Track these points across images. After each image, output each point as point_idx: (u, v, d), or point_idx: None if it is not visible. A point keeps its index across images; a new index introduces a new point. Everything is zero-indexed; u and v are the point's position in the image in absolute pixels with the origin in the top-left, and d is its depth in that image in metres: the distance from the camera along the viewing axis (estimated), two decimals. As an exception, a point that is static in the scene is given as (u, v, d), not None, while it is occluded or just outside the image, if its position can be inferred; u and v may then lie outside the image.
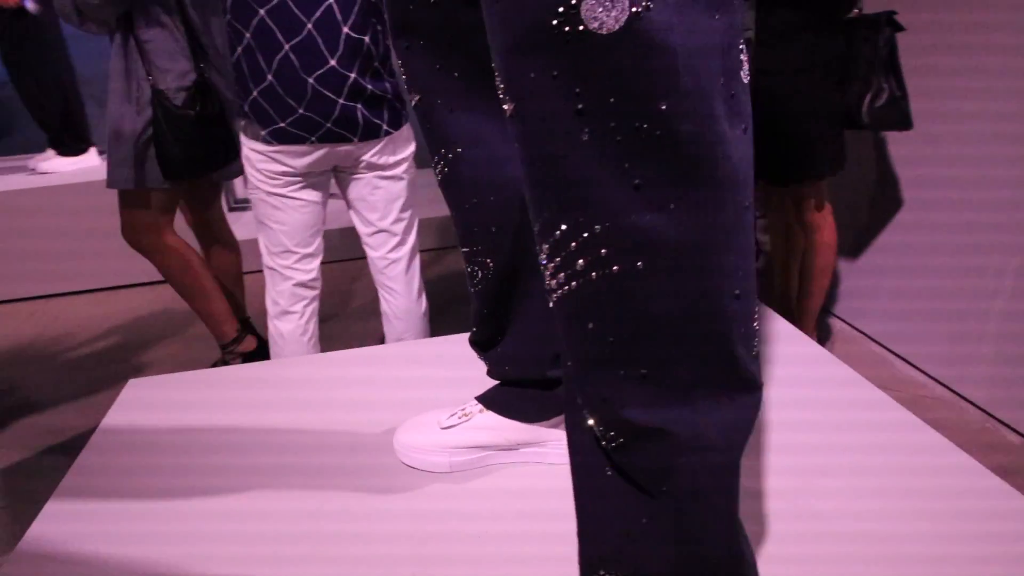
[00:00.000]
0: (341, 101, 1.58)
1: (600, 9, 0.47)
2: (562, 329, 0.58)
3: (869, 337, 2.42)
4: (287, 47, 1.53)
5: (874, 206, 2.33)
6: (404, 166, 1.79)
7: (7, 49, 3.08)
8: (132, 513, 0.96)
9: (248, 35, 1.53)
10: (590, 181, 0.52)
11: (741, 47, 0.55)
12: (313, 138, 1.61)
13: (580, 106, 0.50)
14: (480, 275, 0.90)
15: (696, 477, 0.59)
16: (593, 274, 0.54)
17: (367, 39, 1.58)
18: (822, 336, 2.44)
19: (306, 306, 1.84)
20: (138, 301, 3.21)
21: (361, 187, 1.78)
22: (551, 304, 0.58)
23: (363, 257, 1.94)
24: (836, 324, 2.54)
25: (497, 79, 0.54)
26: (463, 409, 1.00)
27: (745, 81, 0.56)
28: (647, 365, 0.57)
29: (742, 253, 0.57)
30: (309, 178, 1.72)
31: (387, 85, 1.65)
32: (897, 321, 2.30)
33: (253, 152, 1.66)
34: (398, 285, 1.89)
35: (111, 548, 0.89)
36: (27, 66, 3.07)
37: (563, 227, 0.53)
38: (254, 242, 1.91)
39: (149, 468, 1.06)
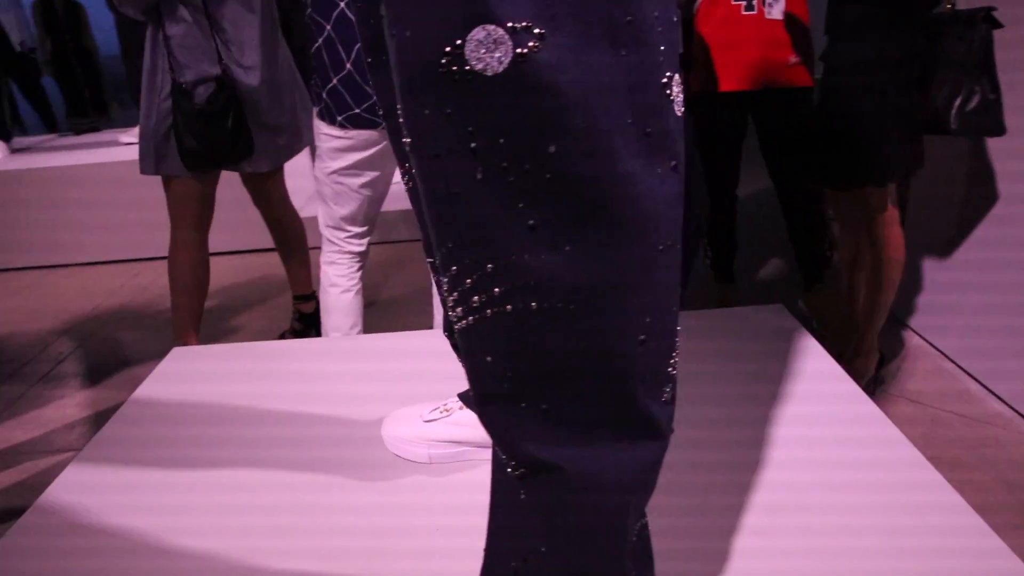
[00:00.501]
0: None
1: (483, 51, 0.47)
2: (464, 360, 0.59)
3: (943, 353, 2.27)
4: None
5: (959, 217, 2.17)
6: None
7: (124, 29, 3.35)
8: (140, 486, 1.06)
9: (329, 27, 1.63)
10: (485, 220, 0.52)
11: (667, 80, 0.53)
12: (383, 124, 1.68)
13: (473, 145, 0.50)
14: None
15: (588, 517, 0.59)
16: (488, 311, 0.54)
17: None
18: (892, 349, 2.30)
19: (356, 271, 1.97)
20: (232, 268, 3.44)
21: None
22: (457, 334, 0.59)
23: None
24: (911, 338, 2.39)
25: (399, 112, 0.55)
26: (445, 404, 1.03)
27: (678, 114, 0.55)
28: (547, 402, 0.57)
29: (652, 297, 0.55)
30: (375, 163, 1.81)
31: None
32: (973, 338, 2.15)
33: (326, 136, 1.76)
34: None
35: (117, 519, 0.99)
36: (138, 45, 3.32)
37: (459, 263, 0.54)
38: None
39: (167, 440, 1.16)
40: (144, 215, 3.39)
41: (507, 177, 0.50)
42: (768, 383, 1.20)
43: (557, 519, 0.59)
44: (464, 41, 0.47)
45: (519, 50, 0.47)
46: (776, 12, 2.15)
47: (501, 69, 0.47)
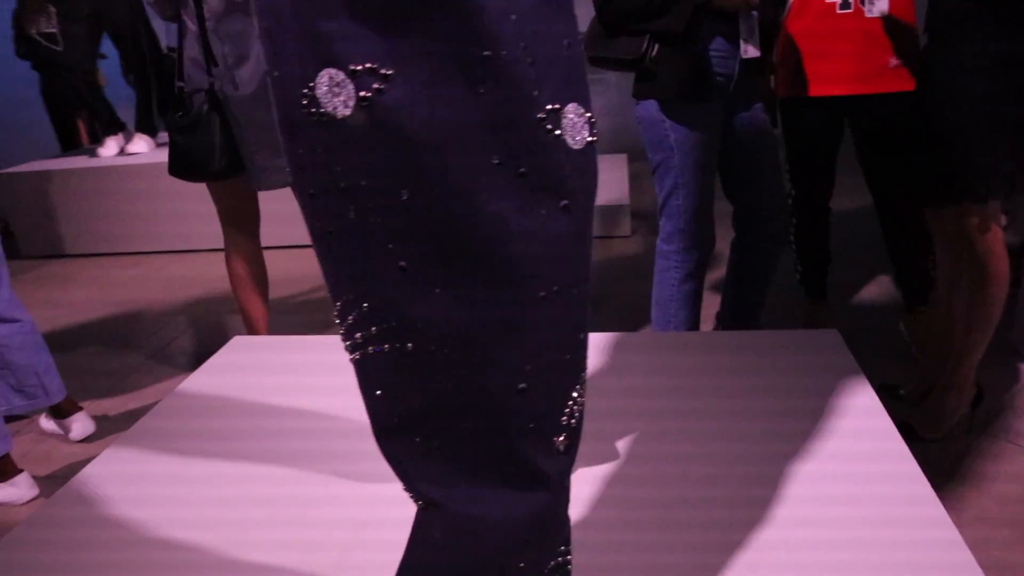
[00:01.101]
0: None
1: (330, 94, 0.47)
2: (360, 390, 0.59)
3: (1063, 391, 2.01)
4: None
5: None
6: None
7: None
8: (167, 477, 1.14)
9: None
10: (359, 259, 0.52)
11: (549, 115, 0.50)
12: None
13: (342, 185, 0.50)
14: None
15: (469, 558, 0.58)
16: (370, 348, 0.54)
17: None
18: (1004, 383, 2.07)
19: None
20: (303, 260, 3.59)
21: None
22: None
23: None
24: (1026, 370, 2.14)
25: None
26: None
27: (572, 148, 0.52)
28: (437, 440, 0.56)
29: (533, 345, 0.53)
30: None
31: None
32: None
33: None
34: None
35: (137, 510, 1.07)
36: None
37: (342, 299, 0.54)
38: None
39: (205, 432, 1.24)
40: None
41: (375, 218, 0.50)
42: (799, 413, 1.12)
43: (442, 556, 0.58)
44: (315, 84, 0.47)
45: (362, 93, 0.46)
46: (877, 9, 1.98)
47: (348, 112, 0.47)
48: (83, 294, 3.50)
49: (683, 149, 1.80)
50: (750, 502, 0.93)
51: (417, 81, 0.46)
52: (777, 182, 1.95)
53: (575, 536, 0.79)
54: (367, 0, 0.45)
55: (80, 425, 2.21)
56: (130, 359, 2.77)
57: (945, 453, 1.84)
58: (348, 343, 0.55)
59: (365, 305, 0.53)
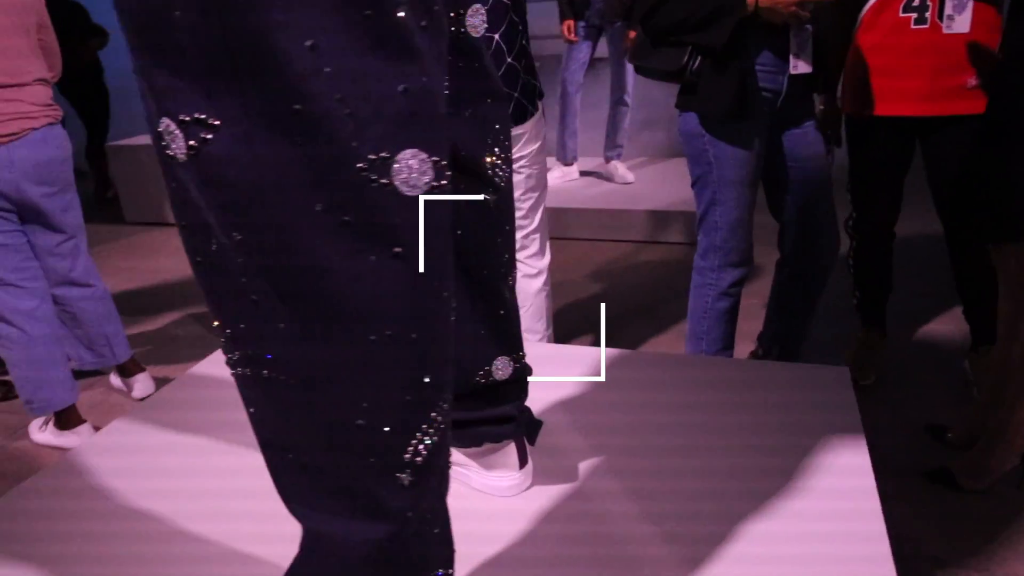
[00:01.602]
0: None
1: (170, 138, 0.50)
2: None
3: None
4: None
5: None
6: (523, 162, 1.87)
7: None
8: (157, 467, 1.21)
9: None
10: (220, 289, 0.55)
11: (367, 167, 0.51)
12: None
13: (202, 220, 0.53)
14: None
15: (316, 573, 0.61)
16: (238, 369, 0.57)
17: (497, 36, 1.68)
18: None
19: None
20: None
21: None
22: None
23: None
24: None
25: None
26: None
27: (407, 195, 0.53)
28: (304, 459, 0.59)
29: (368, 385, 0.55)
30: None
31: (520, 82, 1.74)
32: None
33: None
34: (517, 271, 1.99)
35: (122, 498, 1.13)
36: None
37: (215, 323, 0.57)
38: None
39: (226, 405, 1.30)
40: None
41: (229, 252, 0.53)
42: (776, 456, 1.07)
43: (301, 570, 0.61)
44: (161, 128, 0.50)
45: (191, 142, 0.49)
46: (958, 26, 1.85)
47: (185, 159, 0.50)
48: (170, 263, 3.75)
49: (722, 165, 1.74)
50: (691, 541, 0.91)
51: (238, 134, 0.48)
52: (828, 206, 1.85)
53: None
54: (187, 61, 0.48)
55: (141, 385, 2.39)
56: (197, 328, 2.95)
57: (986, 507, 1.71)
58: (226, 361, 0.58)
59: (228, 331, 0.56)
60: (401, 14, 0.50)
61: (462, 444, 1.00)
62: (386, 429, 0.56)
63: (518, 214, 1.95)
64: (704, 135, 1.73)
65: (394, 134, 0.51)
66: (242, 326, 0.55)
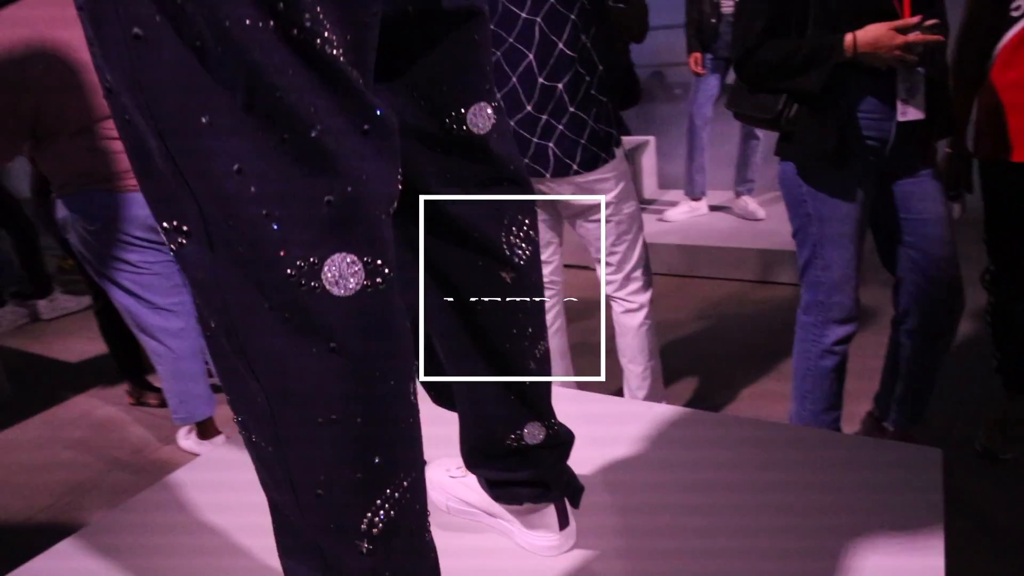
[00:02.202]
0: (535, 140, 1.78)
1: (164, 237, 0.60)
2: None
3: None
4: (498, 95, 1.74)
5: None
6: (607, 211, 1.89)
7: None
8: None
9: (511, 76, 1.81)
10: (219, 358, 0.63)
11: (301, 270, 0.56)
12: (541, 175, 1.84)
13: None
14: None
15: None
16: (239, 430, 0.65)
17: (560, 86, 1.73)
18: None
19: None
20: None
21: (573, 221, 1.97)
22: None
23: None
24: None
25: None
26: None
27: (338, 295, 0.57)
28: (288, 516, 0.66)
29: (321, 461, 0.60)
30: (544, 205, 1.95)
31: (588, 130, 1.77)
32: None
33: None
34: (618, 306, 2.04)
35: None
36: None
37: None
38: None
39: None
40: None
41: (217, 331, 0.61)
42: (842, 534, 0.99)
43: None
44: (160, 229, 0.59)
45: (172, 245, 0.57)
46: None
47: (174, 256, 0.62)
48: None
49: (821, 217, 1.63)
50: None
51: (201, 240, 0.55)
52: (949, 262, 1.68)
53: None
54: (161, 180, 0.56)
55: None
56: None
57: None
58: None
59: (227, 396, 0.64)
60: (315, 134, 0.55)
61: (503, 502, 1.03)
62: (343, 502, 0.61)
63: (614, 258, 1.94)
64: (802, 185, 1.64)
65: (321, 241, 0.56)
66: (233, 393, 0.62)
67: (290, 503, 0.63)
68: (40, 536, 2.00)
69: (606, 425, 1.36)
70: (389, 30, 0.70)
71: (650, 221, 4.04)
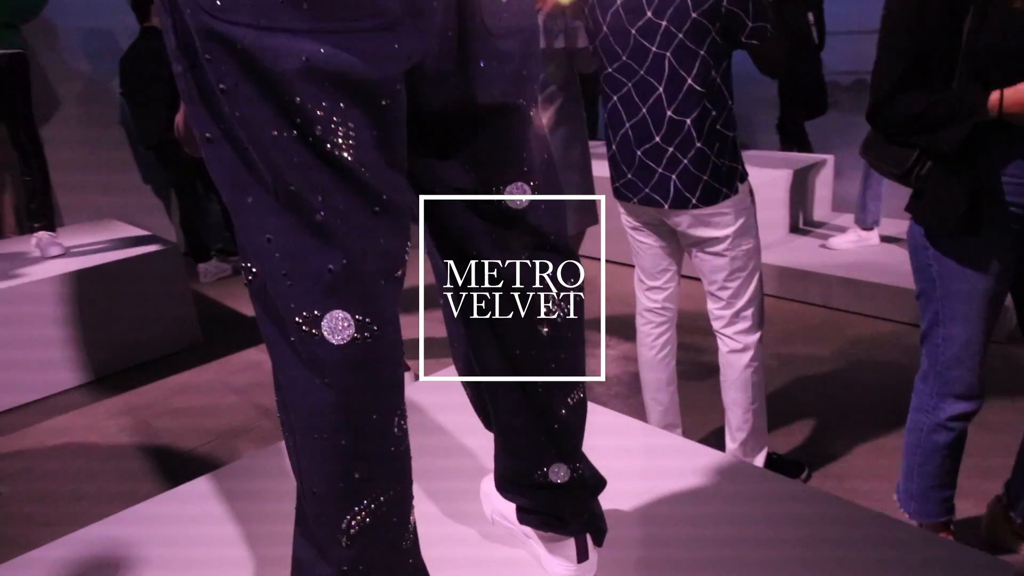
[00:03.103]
0: (659, 170, 1.81)
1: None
2: None
3: None
4: (627, 125, 1.84)
5: None
6: (722, 245, 1.87)
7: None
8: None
9: (605, 114, 1.90)
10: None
11: (301, 321, 0.74)
12: (635, 199, 1.89)
13: None
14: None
15: None
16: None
17: (688, 121, 1.75)
18: None
19: (652, 328, 2.13)
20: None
21: (690, 250, 1.97)
22: None
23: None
24: None
25: None
26: None
27: (333, 342, 0.75)
28: (304, 496, 0.83)
29: (313, 467, 0.77)
30: (649, 227, 1.99)
31: (711, 165, 1.78)
32: None
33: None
34: (724, 345, 2.01)
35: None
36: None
37: None
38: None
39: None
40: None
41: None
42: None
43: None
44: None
45: (246, 277, 0.78)
46: None
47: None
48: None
49: (947, 285, 1.51)
50: None
51: (254, 281, 0.77)
52: None
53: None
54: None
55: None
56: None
57: None
58: None
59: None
60: (319, 218, 0.72)
61: (527, 524, 1.13)
62: (328, 502, 0.78)
63: (725, 294, 1.93)
64: (928, 248, 1.53)
65: (322, 299, 0.73)
66: (277, 397, 0.83)
67: (299, 493, 0.81)
68: (198, 467, 2.36)
69: (667, 464, 1.38)
70: (436, 120, 0.85)
71: (812, 246, 3.84)
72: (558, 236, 0.96)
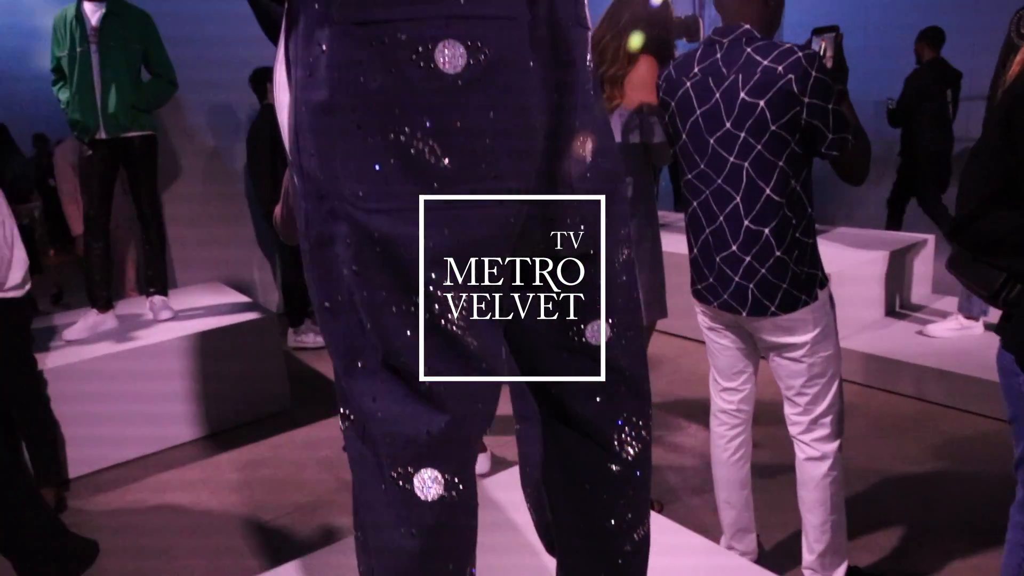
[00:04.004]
0: (736, 279, 1.80)
1: None
2: None
3: None
4: (707, 232, 1.85)
5: None
6: (801, 351, 1.83)
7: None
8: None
9: (687, 219, 1.92)
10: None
11: (396, 476, 0.80)
12: (715, 303, 1.88)
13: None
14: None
15: None
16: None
17: (767, 231, 1.74)
18: None
19: (727, 430, 2.10)
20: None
21: (767, 353, 1.93)
22: None
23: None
24: None
25: None
26: None
27: (422, 499, 0.81)
28: None
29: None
30: (727, 328, 1.98)
31: (790, 273, 1.76)
32: None
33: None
34: (801, 452, 1.94)
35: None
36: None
37: None
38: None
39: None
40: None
41: None
42: None
43: None
44: None
45: (342, 423, 0.86)
46: None
47: None
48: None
49: (1040, 417, 1.43)
50: None
51: (353, 428, 0.85)
52: None
53: None
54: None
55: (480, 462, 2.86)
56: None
57: None
58: None
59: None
60: (425, 386, 0.78)
61: None
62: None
63: (802, 400, 1.88)
64: (1019, 375, 1.45)
65: (417, 458, 0.78)
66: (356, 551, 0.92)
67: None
68: (279, 541, 2.46)
69: None
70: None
71: (908, 332, 3.67)
72: (634, 374, 0.99)
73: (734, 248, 1.79)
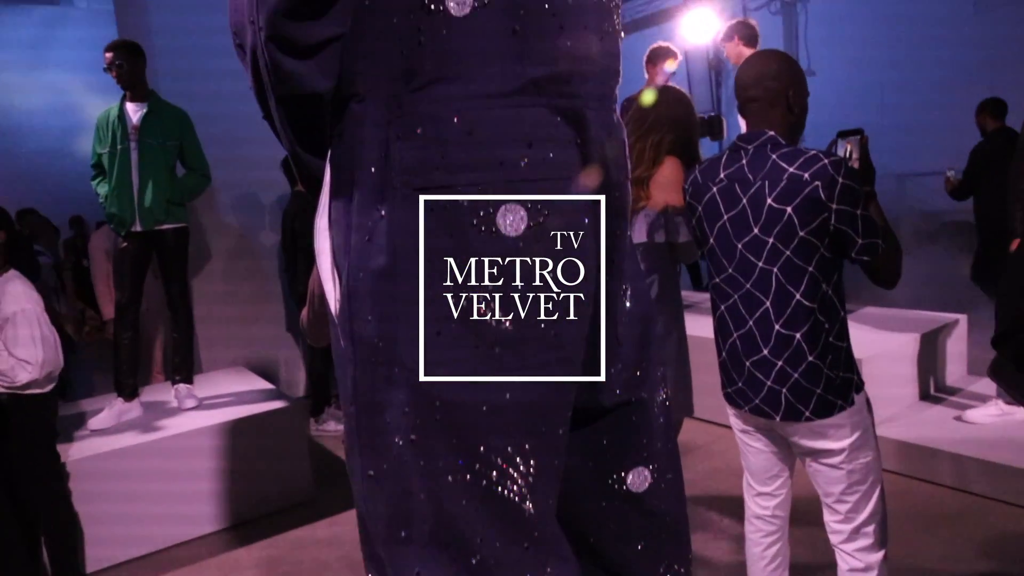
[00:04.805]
0: (768, 383, 1.76)
1: None
2: None
3: None
4: (735, 336, 1.82)
5: None
6: (838, 458, 1.77)
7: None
8: None
9: (715, 322, 1.90)
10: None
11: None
12: (746, 408, 1.84)
13: None
14: None
15: None
16: None
17: (798, 335, 1.71)
18: None
19: (762, 537, 2.02)
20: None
21: (803, 458, 1.87)
22: None
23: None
24: None
25: None
26: None
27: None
28: None
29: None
30: (760, 431, 1.93)
31: (824, 378, 1.72)
32: None
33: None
34: (844, 562, 1.86)
35: None
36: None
37: None
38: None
39: None
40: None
41: None
42: None
43: None
44: None
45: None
46: None
47: None
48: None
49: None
50: None
51: None
52: None
53: None
54: None
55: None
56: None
57: None
58: None
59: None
60: (475, 561, 0.73)
61: None
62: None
63: (843, 507, 1.81)
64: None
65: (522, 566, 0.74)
66: None
67: None
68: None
69: None
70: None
71: (945, 418, 3.55)
72: (675, 519, 0.97)
73: (765, 352, 1.76)
